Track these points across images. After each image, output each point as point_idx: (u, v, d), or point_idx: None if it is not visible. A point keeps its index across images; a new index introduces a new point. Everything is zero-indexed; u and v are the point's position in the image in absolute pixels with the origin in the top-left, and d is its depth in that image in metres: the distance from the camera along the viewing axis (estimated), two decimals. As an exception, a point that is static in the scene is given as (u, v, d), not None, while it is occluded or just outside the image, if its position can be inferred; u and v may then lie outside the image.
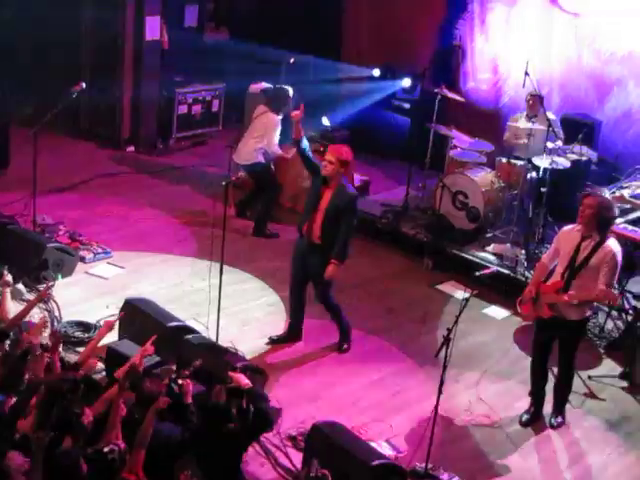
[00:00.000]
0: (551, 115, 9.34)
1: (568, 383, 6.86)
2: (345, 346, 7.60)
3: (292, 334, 7.66)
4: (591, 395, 7.33)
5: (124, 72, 11.49)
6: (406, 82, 11.77)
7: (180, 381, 5.67)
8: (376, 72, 12.00)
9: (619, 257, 6.28)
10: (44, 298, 7.54)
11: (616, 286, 6.36)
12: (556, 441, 6.77)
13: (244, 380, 5.59)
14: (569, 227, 6.55)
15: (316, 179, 7.15)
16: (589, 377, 7.49)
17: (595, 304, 6.63)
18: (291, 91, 9.63)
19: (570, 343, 6.66)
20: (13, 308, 6.74)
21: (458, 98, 10.08)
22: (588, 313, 6.58)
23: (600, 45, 10.51)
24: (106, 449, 4.94)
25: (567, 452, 6.66)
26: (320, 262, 7.12)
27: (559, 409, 6.91)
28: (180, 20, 12.06)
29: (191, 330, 7.03)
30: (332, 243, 7.07)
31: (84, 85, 9.03)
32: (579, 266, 6.31)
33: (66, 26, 11.24)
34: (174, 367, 5.90)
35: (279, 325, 7.83)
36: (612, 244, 6.33)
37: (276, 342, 7.56)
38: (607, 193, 6.76)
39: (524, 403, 7.01)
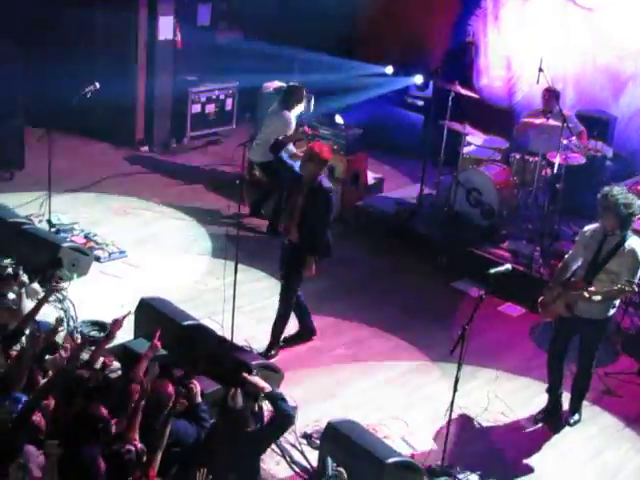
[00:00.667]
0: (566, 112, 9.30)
1: (586, 381, 6.81)
2: (273, 352, 7.37)
3: (304, 332, 7.64)
4: (608, 392, 7.29)
5: (138, 72, 11.53)
6: (418, 79, 11.75)
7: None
8: (389, 70, 12.00)
9: None
10: (57, 296, 7.61)
11: (637, 284, 6.27)
12: (573, 438, 6.74)
13: (261, 383, 5.58)
14: (591, 226, 6.48)
15: (293, 178, 7.21)
16: (606, 374, 7.45)
17: (617, 302, 6.54)
18: (304, 89, 9.62)
19: (591, 342, 6.61)
20: (30, 307, 6.77)
21: (472, 95, 10.04)
22: (611, 312, 6.50)
23: (614, 40, 10.46)
24: (123, 450, 4.95)
25: (584, 449, 6.64)
26: (293, 258, 7.13)
27: (576, 407, 6.87)
28: (193, 19, 12.07)
29: (206, 329, 7.04)
30: (309, 240, 7.07)
31: (98, 85, 9.06)
32: (601, 264, 6.26)
33: (79, 26, 11.28)
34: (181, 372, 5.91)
35: (294, 323, 7.82)
36: (634, 242, 6.25)
37: (290, 341, 7.53)
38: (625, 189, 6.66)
39: (541, 400, 6.98)
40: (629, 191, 6.52)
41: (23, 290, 6.75)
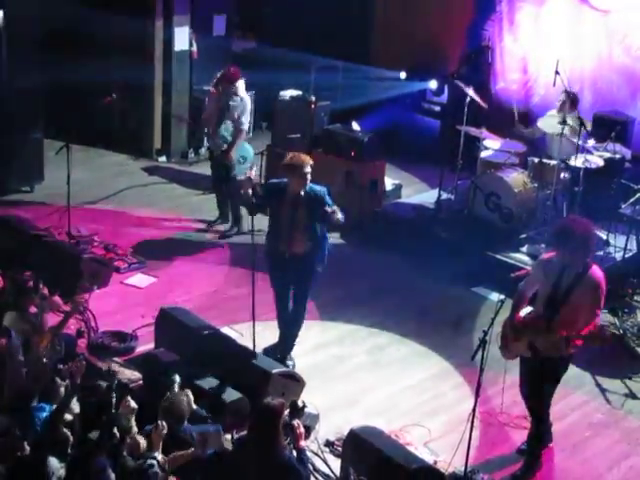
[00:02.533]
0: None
1: (541, 428, 6.22)
2: (290, 362, 7.29)
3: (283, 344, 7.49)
4: (631, 395, 7.24)
5: (154, 83, 11.59)
6: (432, 84, 11.73)
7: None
8: (402, 75, 11.99)
9: (603, 286, 5.80)
10: (80, 308, 7.65)
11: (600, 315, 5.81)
12: (597, 443, 6.69)
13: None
14: (548, 255, 6.06)
15: (273, 195, 7.02)
16: (629, 377, 7.40)
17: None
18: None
19: (548, 383, 6.08)
20: (49, 320, 6.82)
21: (481, 103, 9.95)
22: (573, 350, 5.92)
23: (631, 41, 10.41)
24: (145, 465, 4.98)
25: (608, 453, 6.58)
26: (301, 268, 7.04)
27: (530, 450, 6.28)
28: (209, 30, 12.12)
29: (227, 338, 7.06)
30: (317, 247, 7.01)
31: (115, 96, 9.10)
32: (561, 300, 5.81)
33: (96, 38, 11.36)
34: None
35: (314, 330, 7.83)
36: (595, 272, 5.82)
37: (271, 353, 7.32)
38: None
39: (562, 405, 6.92)
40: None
41: (44, 303, 6.77)
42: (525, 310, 6.07)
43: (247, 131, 9.75)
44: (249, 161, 9.54)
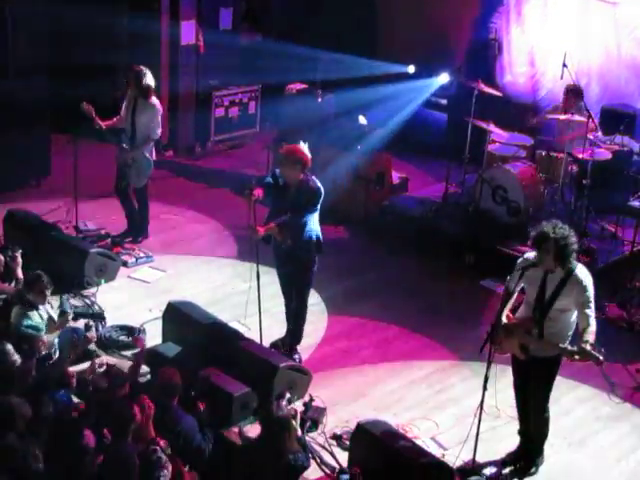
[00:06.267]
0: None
1: (541, 427, 6.15)
2: (296, 356, 7.25)
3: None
4: (639, 388, 7.23)
5: (161, 77, 11.56)
6: (444, 78, 11.69)
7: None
8: (411, 69, 11.94)
9: (590, 286, 5.66)
10: (86, 301, 7.72)
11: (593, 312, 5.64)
12: (605, 435, 6.68)
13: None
14: (531, 255, 5.82)
15: (272, 184, 6.97)
16: (637, 370, 7.39)
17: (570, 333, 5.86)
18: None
19: (543, 383, 5.99)
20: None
21: (495, 92, 9.98)
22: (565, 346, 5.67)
23: (639, 33, 10.36)
24: (148, 451, 5.00)
25: (616, 446, 6.58)
26: (295, 258, 7.02)
27: (533, 457, 6.21)
28: (215, 23, 12.11)
29: (234, 332, 7.06)
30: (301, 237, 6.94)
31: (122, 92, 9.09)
32: (549, 303, 5.71)
33: (102, 32, 11.35)
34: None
35: (322, 324, 7.83)
36: (581, 272, 5.68)
37: (280, 346, 7.31)
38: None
39: (570, 398, 6.96)
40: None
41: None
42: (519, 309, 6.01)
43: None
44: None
